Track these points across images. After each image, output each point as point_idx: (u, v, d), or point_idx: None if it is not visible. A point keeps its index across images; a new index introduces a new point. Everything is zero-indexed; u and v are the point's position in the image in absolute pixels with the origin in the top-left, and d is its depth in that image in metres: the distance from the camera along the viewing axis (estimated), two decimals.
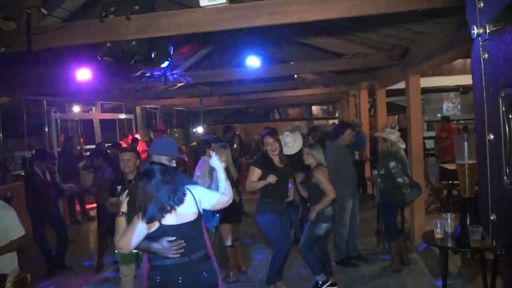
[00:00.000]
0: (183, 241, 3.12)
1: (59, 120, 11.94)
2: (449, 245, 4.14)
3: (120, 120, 15.22)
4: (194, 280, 3.18)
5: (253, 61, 8.96)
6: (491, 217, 1.24)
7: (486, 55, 1.16)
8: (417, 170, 7.02)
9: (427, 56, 6.15)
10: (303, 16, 4.00)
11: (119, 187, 5.00)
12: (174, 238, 3.10)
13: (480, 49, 1.17)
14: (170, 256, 3.11)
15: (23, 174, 10.04)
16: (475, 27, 1.18)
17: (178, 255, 3.12)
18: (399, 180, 5.98)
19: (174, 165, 3.73)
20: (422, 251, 6.84)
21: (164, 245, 3.11)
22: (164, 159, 3.62)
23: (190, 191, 3.23)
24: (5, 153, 9.96)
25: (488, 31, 1.14)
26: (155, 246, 3.12)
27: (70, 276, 6.86)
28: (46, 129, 11.41)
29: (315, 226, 5.43)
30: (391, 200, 6.17)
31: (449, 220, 4.26)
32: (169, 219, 3.10)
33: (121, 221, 3.22)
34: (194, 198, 3.21)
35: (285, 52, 10.55)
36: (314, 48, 9.10)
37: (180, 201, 3.12)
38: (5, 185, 9.08)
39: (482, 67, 1.17)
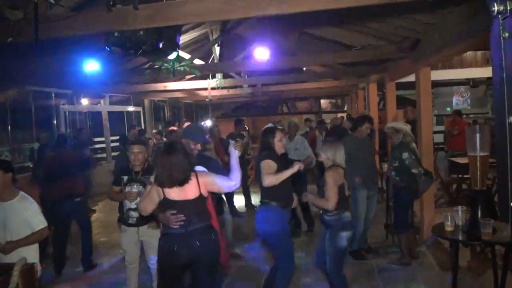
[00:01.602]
0: (183, 215, 3.75)
1: (67, 112, 11.96)
2: (460, 238, 4.08)
3: (129, 112, 15.24)
4: (187, 248, 3.78)
5: (261, 53, 8.89)
6: (511, 204, 1.19)
7: (507, 34, 1.11)
8: (427, 164, 6.94)
9: (438, 48, 6.07)
10: (312, 6, 3.94)
11: (125, 177, 5.02)
12: (175, 211, 3.76)
13: (500, 27, 1.12)
14: (171, 226, 3.77)
15: (31, 166, 10.07)
16: (495, 4, 1.13)
17: (177, 226, 3.76)
18: (414, 171, 5.93)
19: (199, 147, 4.48)
20: (431, 244, 6.79)
21: (167, 216, 3.77)
22: (190, 143, 4.40)
23: (196, 175, 3.81)
24: (13, 145, 9.99)
25: (509, 8, 1.09)
26: (161, 215, 3.85)
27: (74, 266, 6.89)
28: (55, 121, 11.44)
29: (335, 237, 4.53)
30: (406, 193, 6.12)
31: (459, 213, 4.19)
32: (173, 194, 3.77)
33: (147, 189, 4.00)
34: (198, 182, 3.79)
35: (293, 44, 10.49)
36: (323, 39, 9.04)
37: (185, 181, 3.74)
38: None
39: (502, 47, 1.12)
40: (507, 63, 1.14)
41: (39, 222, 4.14)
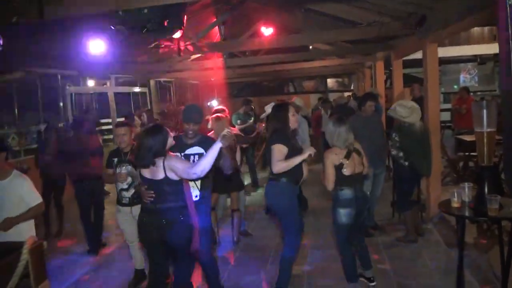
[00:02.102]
0: (153, 192, 4.06)
1: (73, 93, 11.97)
2: (466, 214, 4.09)
3: (135, 93, 15.23)
4: (156, 223, 4.09)
5: (266, 31, 8.85)
6: None
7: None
8: (434, 142, 6.92)
9: (445, 23, 6.00)
10: None
11: (115, 159, 5.22)
12: (146, 187, 4.10)
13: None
14: (144, 200, 4.14)
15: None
16: None
17: (148, 201, 4.11)
18: (392, 151, 6.11)
19: (194, 128, 4.47)
20: (437, 222, 6.82)
21: (142, 190, 4.15)
22: (185, 125, 4.50)
23: (163, 160, 3.99)
24: (20, 127, 10.03)
25: None
26: (141, 189, 4.21)
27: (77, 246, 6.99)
28: (61, 103, 11.46)
29: (333, 214, 4.76)
30: (409, 172, 6.13)
31: (466, 190, 4.19)
32: (146, 173, 4.09)
33: None
34: (164, 166, 3.98)
35: (299, 22, 10.40)
36: (328, 16, 8.95)
37: (145, 165, 4.04)
38: (21, 158, 9.17)
39: (508, 15, 1.11)
40: None
41: (34, 198, 4.29)
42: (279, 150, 4.53)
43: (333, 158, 4.66)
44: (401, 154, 6.08)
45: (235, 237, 6.69)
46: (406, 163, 6.06)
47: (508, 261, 3.99)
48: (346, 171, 4.64)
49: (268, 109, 6.36)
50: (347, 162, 4.66)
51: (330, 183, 4.66)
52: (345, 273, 4.89)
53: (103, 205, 7.05)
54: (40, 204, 4.31)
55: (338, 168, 4.64)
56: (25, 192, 4.22)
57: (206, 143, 4.49)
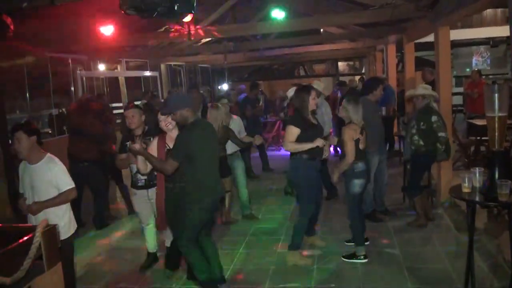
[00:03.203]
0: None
1: (84, 78, 12.01)
2: (477, 199, 4.07)
3: (145, 77, 15.25)
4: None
5: (277, 13, 8.80)
6: None
7: None
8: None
9: (457, 5, 5.92)
10: None
11: (128, 143, 5.04)
12: None
13: None
14: None
15: (50, 132, 10.21)
16: None
17: None
18: (441, 134, 5.99)
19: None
20: (448, 206, 6.80)
21: None
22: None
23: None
24: (32, 112, 10.10)
25: None
26: None
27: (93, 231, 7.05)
28: (72, 88, 11.50)
29: (348, 185, 5.26)
30: (425, 157, 6.13)
31: (477, 174, 4.17)
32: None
33: None
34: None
35: (310, 5, 10.32)
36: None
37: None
38: None
39: None
40: None
41: (64, 183, 4.17)
42: (291, 131, 5.03)
43: (351, 133, 5.13)
44: (421, 142, 6.05)
45: (224, 218, 6.91)
46: (423, 149, 6.06)
47: None
48: (361, 145, 5.17)
49: (291, 93, 6.60)
50: (362, 137, 5.18)
51: (351, 156, 5.09)
52: (353, 238, 5.39)
53: (102, 191, 7.13)
54: (70, 189, 4.19)
55: (356, 142, 5.12)
56: (55, 177, 4.13)
57: None
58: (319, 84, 7.50)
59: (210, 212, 4.54)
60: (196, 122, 4.36)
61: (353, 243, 5.44)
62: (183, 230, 4.39)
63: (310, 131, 5.03)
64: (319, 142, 4.95)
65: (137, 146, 4.24)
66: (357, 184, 5.20)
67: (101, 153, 7.11)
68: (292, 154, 5.28)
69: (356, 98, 5.38)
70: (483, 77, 11.98)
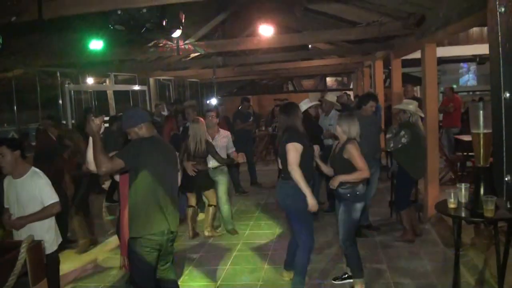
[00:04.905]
0: None
1: (72, 91, 11.97)
2: (463, 215, 4.11)
3: (134, 91, 15.23)
4: None
5: (265, 30, 8.86)
6: (506, 178, 1.20)
7: (503, 9, 1.10)
8: (432, 142, 6.95)
9: (444, 23, 6.02)
10: None
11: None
12: None
13: (497, 2, 1.12)
14: None
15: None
16: None
17: None
18: (393, 147, 6.15)
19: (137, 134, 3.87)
20: (435, 221, 6.83)
21: None
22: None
23: None
24: (20, 125, 10.04)
25: None
26: None
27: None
28: (60, 101, 11.46)
29: (349, 209, 4.69)
30: (407, 174, 6.15)
31: (463, 190, 4.21)
32: None
33: None
34: None
35: (298, 21, 10.41)
36: (328, 16, 8.96)
37: None
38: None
39: (498, 22, 1.12)
40: (502, 39, 1.14)
41: (48, 197, 4.15)
42: (295, 149, 4.51)
43: (358, 148, 4.69)
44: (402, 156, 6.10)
45: (206, 232, 6.90)
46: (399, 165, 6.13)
47: (504, 262, 4.01)
48: None
49: (303, 106, 6.68)
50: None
51: (366, 170, 4.60)
52: (352, 269, 4.93)
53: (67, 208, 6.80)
54: (54, 203, 4.15)
55: None
56: (39, 191, 4.12)
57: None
58: (332, 97, 7.56)
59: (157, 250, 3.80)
60: (152, 138, 3.88)
61: (346, 280, 5.09)
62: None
63: (307, 147, 4.61)
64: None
65: (98, 121, 3.68)
66: (358, 208, 4.71)
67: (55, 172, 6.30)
68: (283, 178, 4.74)
69: (351, 114, 5.08)
70: (471, 93, 12.23)
